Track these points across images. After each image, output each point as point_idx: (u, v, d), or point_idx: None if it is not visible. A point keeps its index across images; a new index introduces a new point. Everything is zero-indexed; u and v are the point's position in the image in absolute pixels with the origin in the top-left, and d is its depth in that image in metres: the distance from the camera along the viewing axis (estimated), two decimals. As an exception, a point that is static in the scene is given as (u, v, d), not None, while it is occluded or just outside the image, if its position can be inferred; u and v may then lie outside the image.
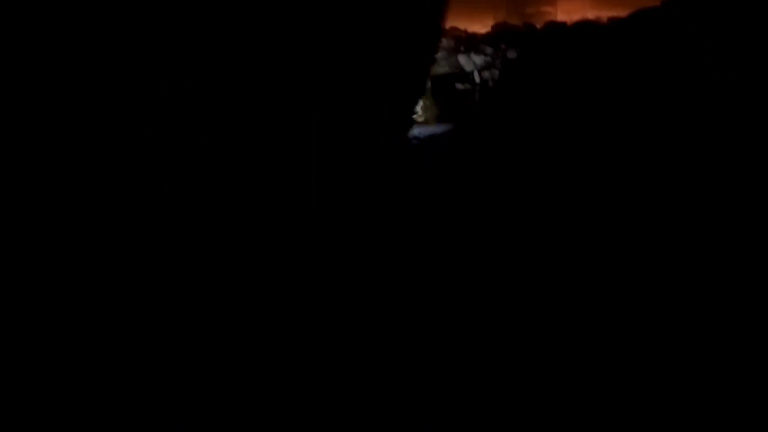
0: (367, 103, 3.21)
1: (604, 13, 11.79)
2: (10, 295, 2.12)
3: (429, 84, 9.05)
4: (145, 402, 1.91)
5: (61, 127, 2.59)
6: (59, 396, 1.91)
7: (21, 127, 2.34)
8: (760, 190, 3.44)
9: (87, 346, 2.10)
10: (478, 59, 9.27)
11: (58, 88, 2.64)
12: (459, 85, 8.94)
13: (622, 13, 11.21)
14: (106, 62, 2.90)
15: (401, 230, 3.38)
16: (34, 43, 2.47)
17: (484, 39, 10.21)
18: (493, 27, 10.76)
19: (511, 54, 9.48)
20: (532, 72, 9.38)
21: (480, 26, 11.28)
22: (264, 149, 2.94)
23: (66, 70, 2.67)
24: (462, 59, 9.32)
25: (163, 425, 1.87)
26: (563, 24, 11.19)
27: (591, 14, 11.92)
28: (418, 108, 8.61)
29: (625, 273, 2.94)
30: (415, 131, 6.81)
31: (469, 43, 9.82)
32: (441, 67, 9.20)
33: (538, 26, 10.88)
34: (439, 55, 9.84)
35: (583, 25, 11.23)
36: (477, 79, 9.08)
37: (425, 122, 8.27)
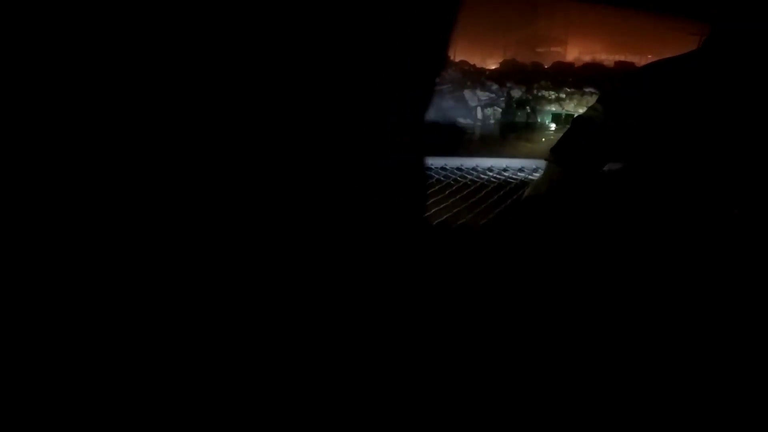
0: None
1: (614, 57, 12.04)
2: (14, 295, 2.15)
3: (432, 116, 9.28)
4: (144, 401, 1.93)
5: (62, 126, 2.62)
6: (59, 396, 1.90)
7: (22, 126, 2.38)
8: None
9: (86, 346, 2.12)
10: (483, 95, 9.50)
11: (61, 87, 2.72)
12: (461, 120, 9.16)
13: (633, 58, 11.44)
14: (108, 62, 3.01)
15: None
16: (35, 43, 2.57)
17: (491, 75, 10.46)
18: (501, 63, 11.03)
19: (515, 92, 9.73)
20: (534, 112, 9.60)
21: (490, 61, 11.55)
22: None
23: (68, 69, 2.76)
24: (467, 94, 9.55)
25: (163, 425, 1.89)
26: (571, 64, 11.44)
27: (601, 57, 12.18)
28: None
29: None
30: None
31: (476, 77, 10.07)
32: (446, 101, 9.44)
33: (546, 66, 11.12)
34: (446, 87, 10.10)
35: (590, 67, 11.50)
36: (479, 115, 9.30)
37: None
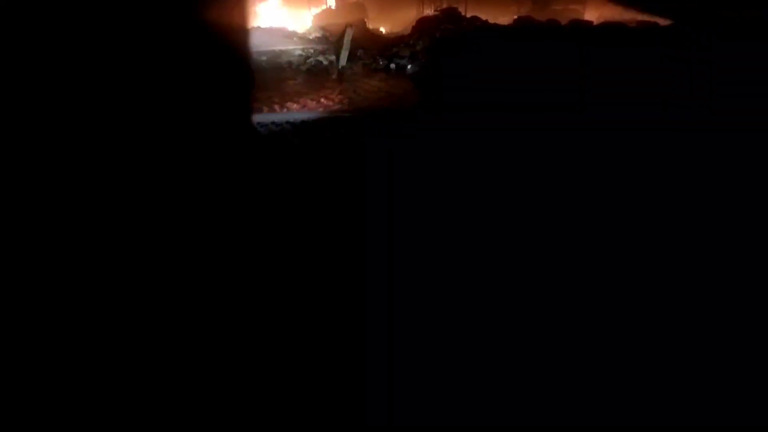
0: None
1: (638, 17, 11.40)
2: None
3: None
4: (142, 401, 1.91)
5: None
6: (59, 396, 1.90)
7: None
8: None
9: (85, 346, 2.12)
10: (496, 51, 9.03)
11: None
12: (473, 71, 8.73)
13: (657, 18, 10.80)
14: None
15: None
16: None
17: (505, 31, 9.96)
18: (515, 20, 10.49)
19: (531, 48, 9.23)
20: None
21: (504, 18, 11.01)
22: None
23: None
24: (480, 50, 9.09)
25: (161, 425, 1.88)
26: (589, 22, 10.87)
27: (624, 17, 11.56)
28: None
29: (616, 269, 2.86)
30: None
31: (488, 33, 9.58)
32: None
33: (563, 23, 10.57)
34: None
35: (610, 26, 10.88)
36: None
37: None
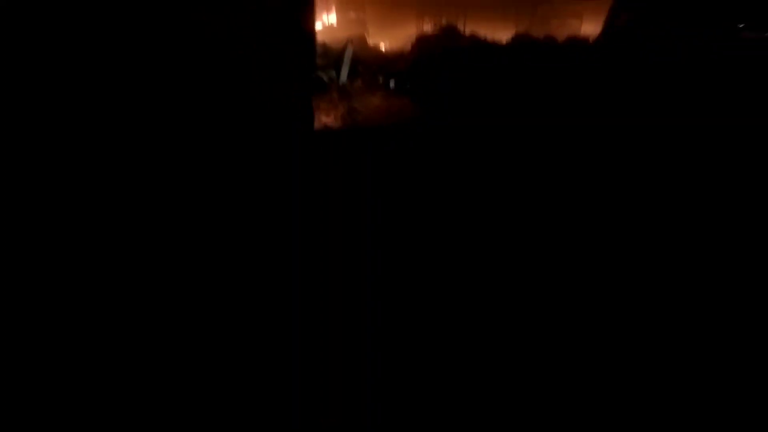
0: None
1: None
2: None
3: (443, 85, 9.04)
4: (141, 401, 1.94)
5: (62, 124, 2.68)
6: (59, 396, 1.94)
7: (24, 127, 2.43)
8: None
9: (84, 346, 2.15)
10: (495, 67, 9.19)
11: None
12: (472, 89, 8.88)
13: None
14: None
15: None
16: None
17: (503, 49, 10.13)
18: (513, 37, 10.66)
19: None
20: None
21: (503, 34, 11.18)
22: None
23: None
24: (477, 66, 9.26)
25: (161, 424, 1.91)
26: (585, 40, 11.04)
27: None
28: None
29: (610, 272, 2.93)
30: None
31: (487, 50, 9.75)
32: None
33: (560, 40, 10.77)
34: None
35: (608, 45, 11.03)
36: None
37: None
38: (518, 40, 10.40)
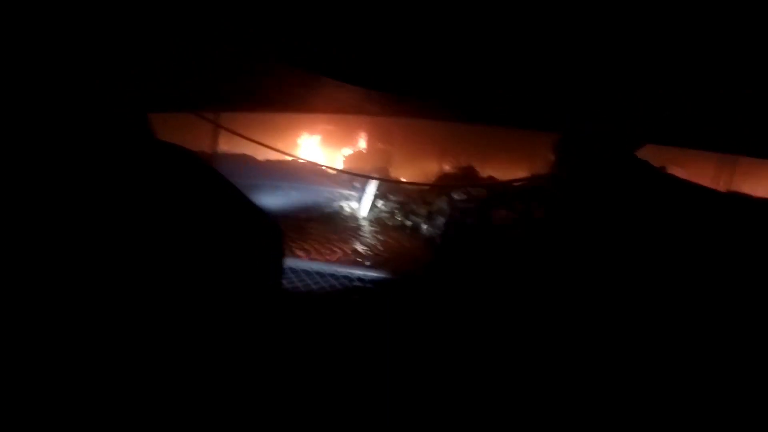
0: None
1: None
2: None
3: (455, 233, 9.52)
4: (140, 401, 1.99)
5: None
6: (59, 396, 1.94)
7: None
8: None
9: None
10: (507, 214, 9.66)
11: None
12: (484, 238, 9.29)
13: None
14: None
15: None
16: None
17: (518, 192, 10.67)
18: (529, 179, 11.23)
19: (539, 213, 9.84)
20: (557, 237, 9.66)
21: (521, 174, 11.79)
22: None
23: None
24: (492, 212, 9.74)
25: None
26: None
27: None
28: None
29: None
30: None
31: (503, 196, 10.29)
32: (470, 218, 9.66)
33: (573, 187, 11.23)
34: (472, 205, 10.37)
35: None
36: (503, 234, 9.42)
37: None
38: (534, 182, 10.94)
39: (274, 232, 4.17)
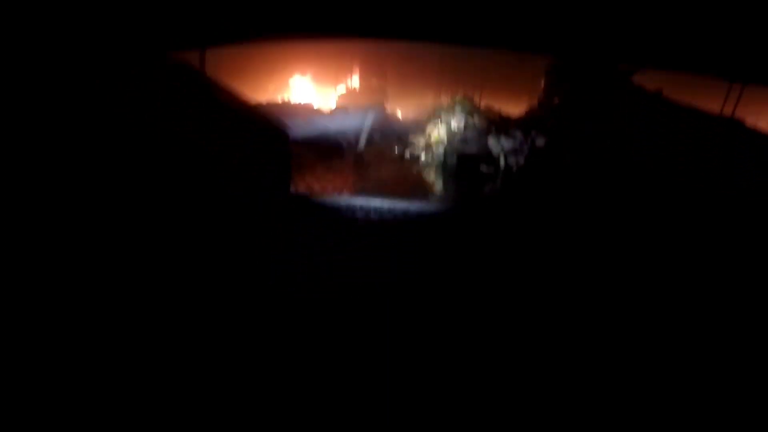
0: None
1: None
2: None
3: (456, 162, 9.39)
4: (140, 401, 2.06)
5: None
6: (59, 396, 2.00)
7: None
8: None
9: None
10: (507, 143, 9.54)
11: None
12: (484, 168, 9.20)
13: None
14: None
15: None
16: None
17: (517, 122, 10.50)
18: (527, 111, 11.04)
19: (540, 141, 9.73)
20: (557, 165, 9.58)
21: (516, 107, 11.57)
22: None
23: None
24: (491, 141, 9.61)
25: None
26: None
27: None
28: (440, 185, 8.95)
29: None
30: (417, 206, 7.07)
31: (501, 125, 10.13)
32: (469, 148, 9.52)
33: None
34: (470, 134, 10.20)
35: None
36: (502, 163, 9.33)
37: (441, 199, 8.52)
38: (531, 114, 10.77)
39: (281, 135, 4.14)
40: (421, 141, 9.62)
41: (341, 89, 12.55)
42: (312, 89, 12.73)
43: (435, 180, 8.85)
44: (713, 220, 4.11)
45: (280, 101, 11.38)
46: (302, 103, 11.62)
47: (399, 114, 11.67)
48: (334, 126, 10.73)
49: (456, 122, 10.04)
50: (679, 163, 8.49)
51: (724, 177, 7.47)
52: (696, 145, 8.41)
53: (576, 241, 5.49)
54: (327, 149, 9.82)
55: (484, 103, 10.99)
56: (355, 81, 12.55)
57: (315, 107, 11.42)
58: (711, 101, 9.23)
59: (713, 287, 3.11)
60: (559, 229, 5.99)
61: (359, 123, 10.31)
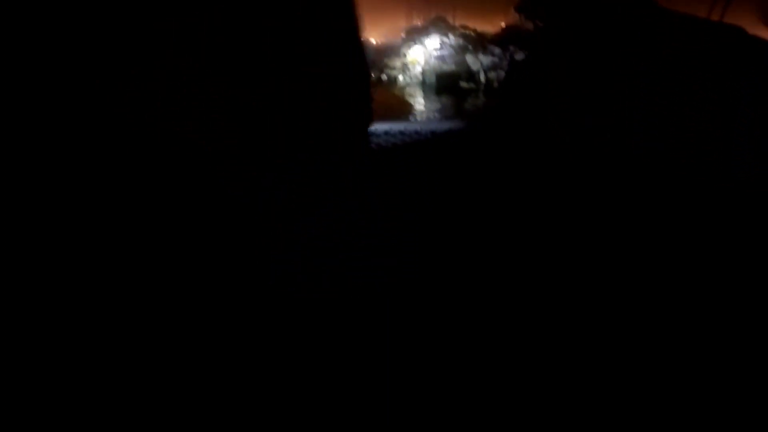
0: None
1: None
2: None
3: (435, 80, 9.10)
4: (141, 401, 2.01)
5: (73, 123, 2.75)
6: (59, 396, 1.99)
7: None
8: None
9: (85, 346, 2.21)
10: (486, 59, 9.29)
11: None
12: (464, 84, 8.96)
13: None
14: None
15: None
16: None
17: (494, 39, 10.21)
18: (503, 28, 10.74)
19: (519, 56, 9.48)
20: (538, 75, 9.38)
21: (491, 26, 11.24)
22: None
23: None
24: (469, 59, 9.34)
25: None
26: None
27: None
28: (422, 103, 8.68)
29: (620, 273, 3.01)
30: (416, 126, 6.87)
31: (478, 42, 9.83)
32: (447, 65, 9.23)
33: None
34: (447, 53, 9.87)
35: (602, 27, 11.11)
36: (482, 78, 9.10)
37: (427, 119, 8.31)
38: (508, 30, 10.47)
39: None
40: (397, 63, 9.27)
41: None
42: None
43: (415, 99, 8.58)
44: (712, 210, 4.03)
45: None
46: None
47: (372, 39, 11.21)
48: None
49: (431, 42, 9.68)
50: (680, 155, 8.38)
51: (724, 164, 7.34)
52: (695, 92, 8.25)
53: (574, 228, 5.38)
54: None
55: (458, 23, 10.61)
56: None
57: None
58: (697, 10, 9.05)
59: (713, 277, 3.06)
60: (558, 214, 5.86)
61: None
